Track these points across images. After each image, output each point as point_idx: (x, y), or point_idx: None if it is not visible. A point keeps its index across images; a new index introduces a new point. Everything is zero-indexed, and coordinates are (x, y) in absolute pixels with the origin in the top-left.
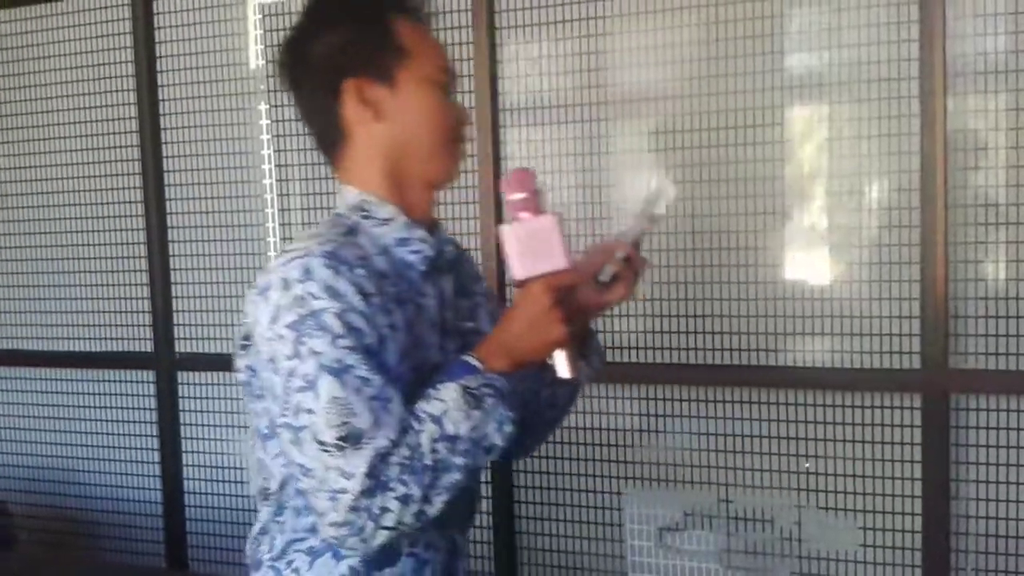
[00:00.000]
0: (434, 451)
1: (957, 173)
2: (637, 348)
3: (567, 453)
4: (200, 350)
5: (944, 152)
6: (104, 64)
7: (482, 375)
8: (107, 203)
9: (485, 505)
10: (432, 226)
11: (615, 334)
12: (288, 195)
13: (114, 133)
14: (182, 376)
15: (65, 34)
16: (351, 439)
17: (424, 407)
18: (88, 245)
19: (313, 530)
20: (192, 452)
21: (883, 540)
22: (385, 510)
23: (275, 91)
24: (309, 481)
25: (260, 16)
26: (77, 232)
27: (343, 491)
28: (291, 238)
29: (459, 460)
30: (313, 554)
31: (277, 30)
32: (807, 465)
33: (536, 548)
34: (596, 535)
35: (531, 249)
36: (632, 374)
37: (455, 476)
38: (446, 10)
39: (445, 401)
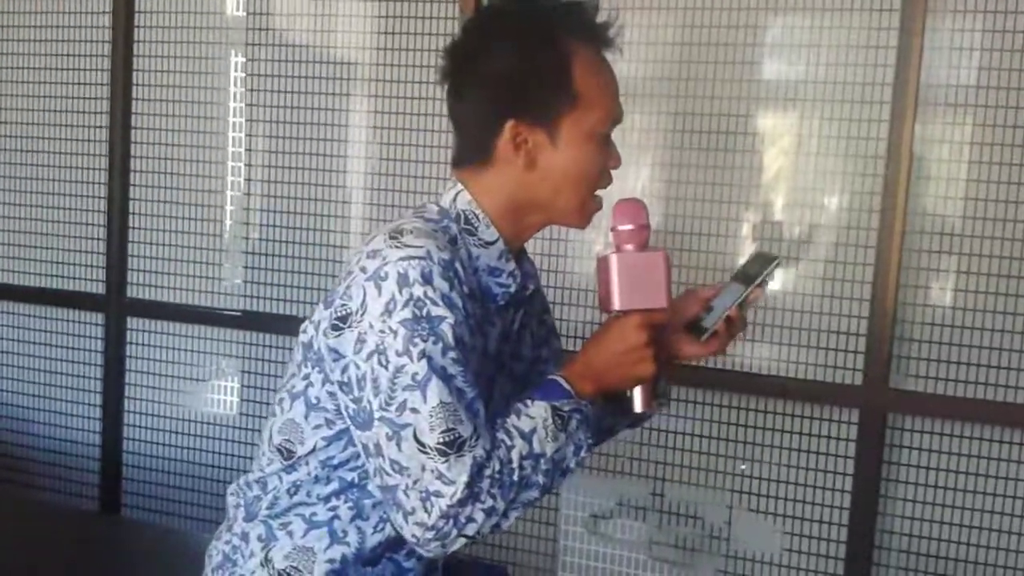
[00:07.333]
0: (522, 468)
1: (917, 200)
2: (581, 338)
3: None
4: (153, 297)
5: (907, 178)
6: None
7: (574, 399)
8: (72, 140)
9: None
10: (520, 255)
11: (561, 323)
12: (253, 151)
13: (84, 69)
14: (132, 322)
15: None
16: (455, 446)
17: (514, 422)
18: (49, 180)
19: (328, 500)
20: (135, 399)
21: (808, 547)
22: (471, 520)
23: (252, 44)
24: (400, 478)
25: None
26: (39, 166)
27: (439, 495)
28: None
29: (540, 479)
30: (311, 524)
31: None
32: (743, 467)
33: None
34: (531, 517)
35: (635, 282)
36: None
37: (533, 494)
38: None
39: (535, 419)
